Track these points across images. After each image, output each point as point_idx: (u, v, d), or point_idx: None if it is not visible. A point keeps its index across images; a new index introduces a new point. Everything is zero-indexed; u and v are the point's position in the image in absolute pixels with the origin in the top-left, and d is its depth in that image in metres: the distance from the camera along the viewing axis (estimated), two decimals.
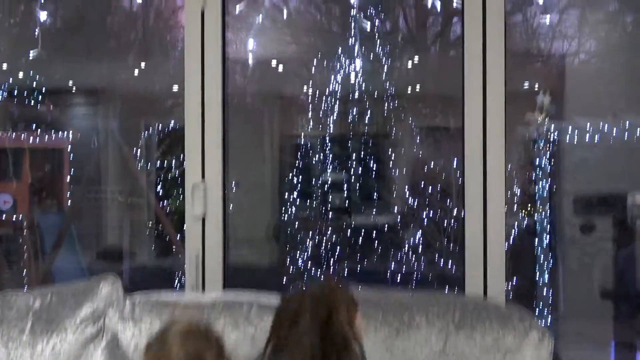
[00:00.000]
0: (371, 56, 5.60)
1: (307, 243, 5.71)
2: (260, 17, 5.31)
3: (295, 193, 5.88)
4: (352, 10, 5.59)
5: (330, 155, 5.96)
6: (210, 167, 2.82)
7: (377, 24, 5.68)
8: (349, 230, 5.79)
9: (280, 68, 5.76)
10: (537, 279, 4.91)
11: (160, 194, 5.67)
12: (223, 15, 2.82)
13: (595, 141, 4.78)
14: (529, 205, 5.09)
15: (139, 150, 5.57)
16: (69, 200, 5.67)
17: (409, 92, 5.75)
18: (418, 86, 5.73)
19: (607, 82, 4.86)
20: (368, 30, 5.55)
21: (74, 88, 5.63)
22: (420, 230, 5.46)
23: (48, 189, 5.75)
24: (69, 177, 5.68)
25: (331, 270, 5.50)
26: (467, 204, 2.70)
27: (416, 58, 5.85)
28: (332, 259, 5.60)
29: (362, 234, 5.71)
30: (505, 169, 2.70)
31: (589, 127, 4.77)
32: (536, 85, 5.06)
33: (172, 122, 5.56)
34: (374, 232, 5.69)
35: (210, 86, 2.81)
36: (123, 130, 5.60)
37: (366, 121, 5.87)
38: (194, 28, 2.80)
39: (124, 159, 5.46)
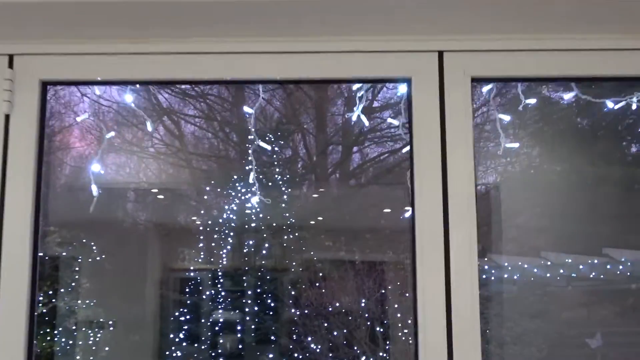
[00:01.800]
0: (270, 184, 5.13)
1: None
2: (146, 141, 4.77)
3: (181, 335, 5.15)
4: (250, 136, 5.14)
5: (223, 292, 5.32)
6: None
7: (276, 149, 5.26)
8: None
9: (168, 194, 5.19)
10: None
11: None
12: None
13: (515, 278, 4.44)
14: None
15: None
16: None
17: (311, 223, 5.28)
18: (320, 217, 5.28)
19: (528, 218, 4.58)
20: (267, 157, 5.12)
21: None
22: None
23: None
24: None
25: None
26: None
27: (317, 187, 5.45)
28: None
29: None
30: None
31: (507, 265, 4.43)
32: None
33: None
34: None
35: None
36: None
37: (263, 254, 5.31)
38: None
39: None
